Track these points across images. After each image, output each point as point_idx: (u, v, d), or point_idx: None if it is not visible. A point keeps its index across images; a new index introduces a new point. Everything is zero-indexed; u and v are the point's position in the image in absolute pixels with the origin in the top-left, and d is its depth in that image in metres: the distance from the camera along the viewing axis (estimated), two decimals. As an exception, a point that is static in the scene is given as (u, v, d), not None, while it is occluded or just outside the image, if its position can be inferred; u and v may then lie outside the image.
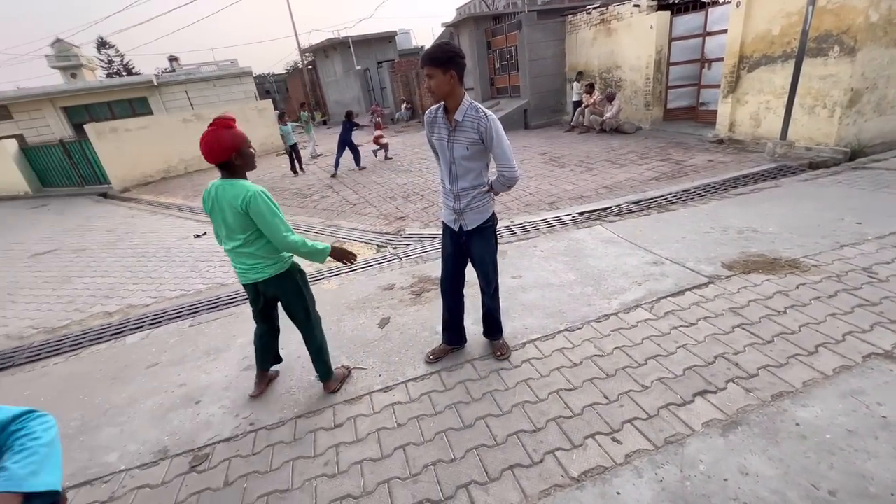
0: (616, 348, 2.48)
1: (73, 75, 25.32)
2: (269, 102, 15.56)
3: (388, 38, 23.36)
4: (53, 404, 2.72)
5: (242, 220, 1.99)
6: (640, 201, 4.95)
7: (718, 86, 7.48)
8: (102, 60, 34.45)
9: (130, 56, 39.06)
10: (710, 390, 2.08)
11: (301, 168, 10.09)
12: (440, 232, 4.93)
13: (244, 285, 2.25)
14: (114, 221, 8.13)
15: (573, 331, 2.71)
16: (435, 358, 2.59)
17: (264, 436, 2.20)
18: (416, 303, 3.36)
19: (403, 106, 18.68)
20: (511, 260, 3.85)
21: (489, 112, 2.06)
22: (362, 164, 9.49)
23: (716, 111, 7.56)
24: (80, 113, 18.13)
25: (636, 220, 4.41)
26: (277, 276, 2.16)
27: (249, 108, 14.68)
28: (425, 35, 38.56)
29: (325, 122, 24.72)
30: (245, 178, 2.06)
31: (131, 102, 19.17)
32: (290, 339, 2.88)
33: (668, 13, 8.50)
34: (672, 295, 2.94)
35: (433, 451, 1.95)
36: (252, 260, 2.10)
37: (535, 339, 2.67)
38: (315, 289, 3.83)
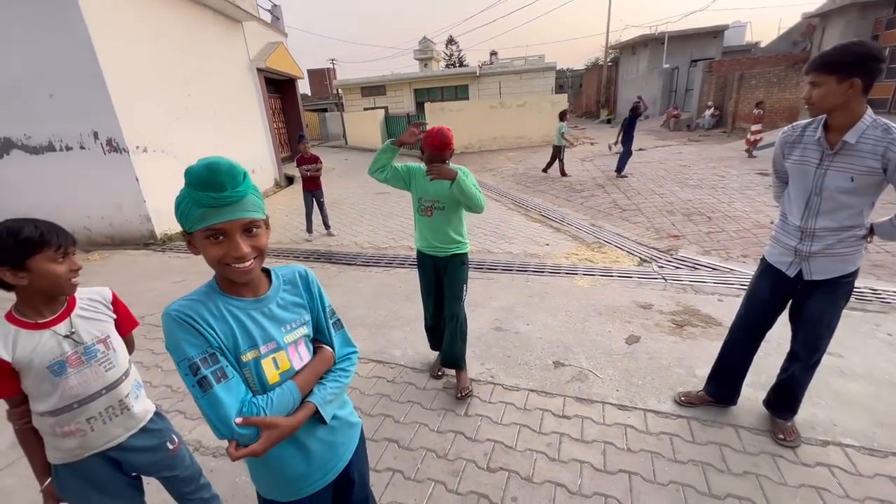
0: None
1: (426, 65, 33.06)
2: (563, 97, 16.27)
3: (714, 34, 20.24)
4: (372, 300, 3.82)
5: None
6: None
7: None
8: (446, 54, 43.53)
9: (466, 51, 47.76)
10: None
11: (564, 172, 9.31)
12: (725, 264, 4.16)
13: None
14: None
15: (925, 464, 1.84)
16: (688, 402, 2.26)
17: (500, 392, 2.48)
18: (674, 333, 2.98)
19: (709, 112, 16.10)
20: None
21: None
22: (625, 171, 8.65)
23: None
24: (423, 94, 23.68)
25: None
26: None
27: (545, 100, 15.73)
28: (769, 29, 31.39)
29: (609, 121, 24.07)
30: None
31: (456, 88, 23.65)
32: (534, 318, 3.06)
33: None
34: None
35: (664, 499, 1.75)
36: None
37: (848, 446, 1.96)
38: (566, 283, 3.94)
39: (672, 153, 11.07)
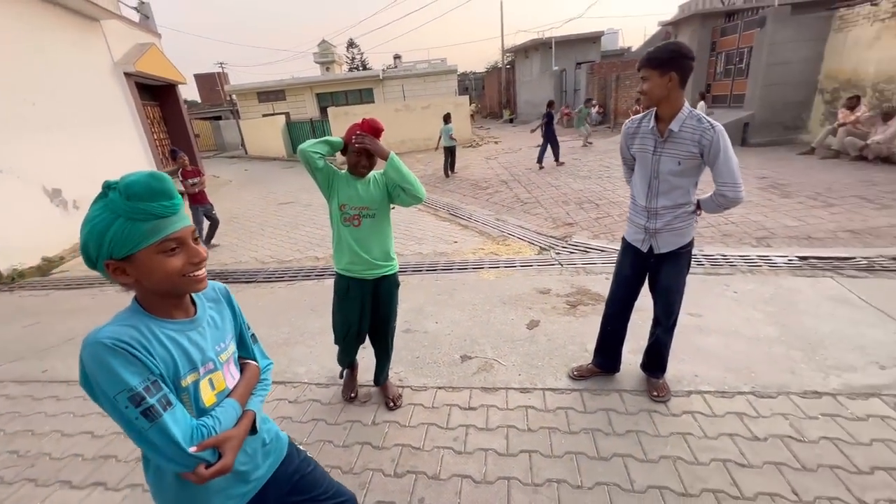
0: (824, 438, 1.91)
1: (327, 69, 32.03)
2: (465, 98, 16.83)
3: (593, 39, 22.44)
4: (274, 316, 3.58)
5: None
6: (908, 259, 3.64)
7: None
8: (348, 58, 42.62)
9: (368, 54, 47.18)
10: None
11: (453, 170, 9.87)
12: (611, 245, 4.55)
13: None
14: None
15: (762, 397, 2.19)
16: (580, 375, 2.44)
17: (409, 394, 2.46)
18: (569, 313, 3.22)
19: (594, 109, 17.78)
20: (691, 294, 3.26)
21: (716, 123, 1.79)
22: (561, 159, 9.59)
23: None
24: (326, 98, 22.91)
25: (894, 283, 3.27)
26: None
27: (448, 102, 16.13)
28: (636, 35, 35.71)
29: (511, 121, 25.45)
30: None
31: (361, 92, 23.26)
32: (443, 315, 3.11)
33: None
34: (940, 396, 2.10)
35: (560, 469, 1.87)
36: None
37: (706, 392, 2.26)
38: (473, 277, 4.06)
39: (566, 148, 12.01)
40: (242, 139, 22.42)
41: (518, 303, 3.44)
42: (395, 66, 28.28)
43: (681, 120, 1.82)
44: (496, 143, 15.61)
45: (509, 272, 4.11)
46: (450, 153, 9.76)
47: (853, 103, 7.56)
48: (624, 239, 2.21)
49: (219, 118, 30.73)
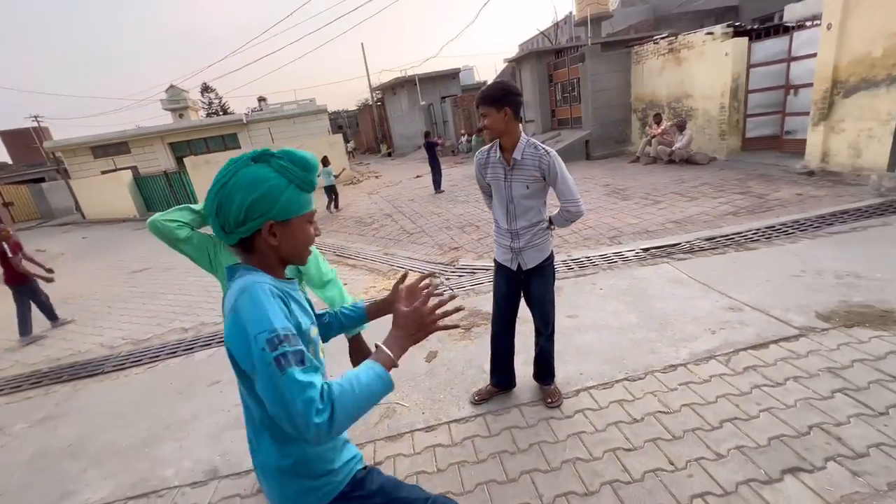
0: (684, 405, 2.20)
1: (181, 115, 29.14)
2: (339, 137, 16.73)
3: (452, 75, 24.37)
4: (128, 414, 2.96)
5: None
6: (714, 238, 4.53)
7: (807, 113, 6.82)
8: (204, 102, 39.43)
9: (227, 98, 44.27)
10: (803, 468, 1.75)
11: (337, 208, 9.97)
12: (491, 263, 4.82)
13: None
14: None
15: (634, 381, 2.46)
16: (481, 399, 2.47)
17: (306, 466, 2.20)
18: (465, 337, 3.27)
19: (464, 138, 19.16)
20: (567, 297, 3.65)
21: (549, 148, 2.01)
22: (442, 187, 9.93)
23: (804, 140, 6.87)
24: (183, 147, 20.69)
25: (709, 260, 4.03)
26: None
27: (322, 141, 15.84)
28: (488, 71, 39.93)
29: (389, 154, 26.02)
30: None
31: (224, 138, 21.55)
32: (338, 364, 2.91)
33: (746, 39, 8.02)
34: (753, 347, 2.59)
35: (473, 503, 1.82)
36: None
37: (591, 388, 2.46)
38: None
39: (443, 176, 12.64)
40: (76, 202, 18.94)
41: (414, 337, 3.39)
42: (261, 109, 27.02)
43: (521, 149, 2.01)
44: (377, 177, 15.74)
45: (403, 306, 4.05)
46: (332, 191, 9.87)
47: (658, 119, 9.39)
48: (495, 260, 2.33)
49: (41, 180, 25.56)
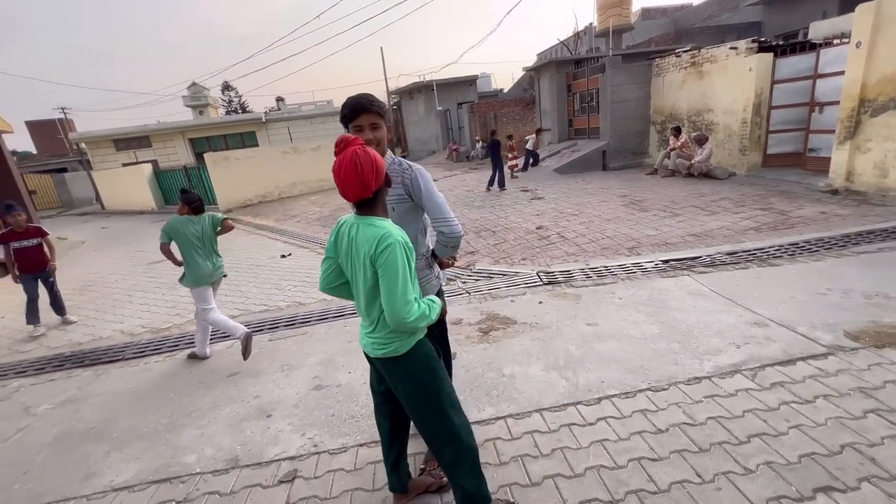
0: (710, 418, 2.17)
1: (201, 112, 29.71)
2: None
3: (470, 82, 24.49)
4: (149, 400, 3.00)
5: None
6: (736, 253, 4.48)
7: (832, 131, 6.73)
8: (224, 101, 40.13)
9: (247, 97, 44.99)
10: (836, 487, 1.72)
11: None
12: (511, 269, 4.77)
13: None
14: (216, 238, 9.13)
15: (657, 391, 2.44)
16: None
17: (326, 460, 2.21)
18: (483, 340, 3.27)
19: (479, 145, 19.22)
20: (586, 305, 3.63)
21: (414, 164, 1.82)
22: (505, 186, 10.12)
23: (828, 158, 6.78)
24: (202, 144, 21.08)
25: (731, 274, 3.98)
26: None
27: (339, 142, 15.97)
28: (505, 79, 40.09)
29: (405, 157, 26.16)
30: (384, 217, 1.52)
31: (242, 136, 21.92)
32: (356, 364, 2.92)
33: (771, 55, 7.96)
34: (780, 364, 2.55)
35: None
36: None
37: (613, 396, 2.44)
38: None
39: (458, 181, 12.68)
40: (97, 193, 19.35)
41: (432, 338, 3.40)
42: (279, 109, 27.41)
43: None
44: (392, 180, 15.80)
45: (420, 307, 4.06)
46: None
47: (677, 132, 9.34)
48: None
49: (63, 170, 26.18)
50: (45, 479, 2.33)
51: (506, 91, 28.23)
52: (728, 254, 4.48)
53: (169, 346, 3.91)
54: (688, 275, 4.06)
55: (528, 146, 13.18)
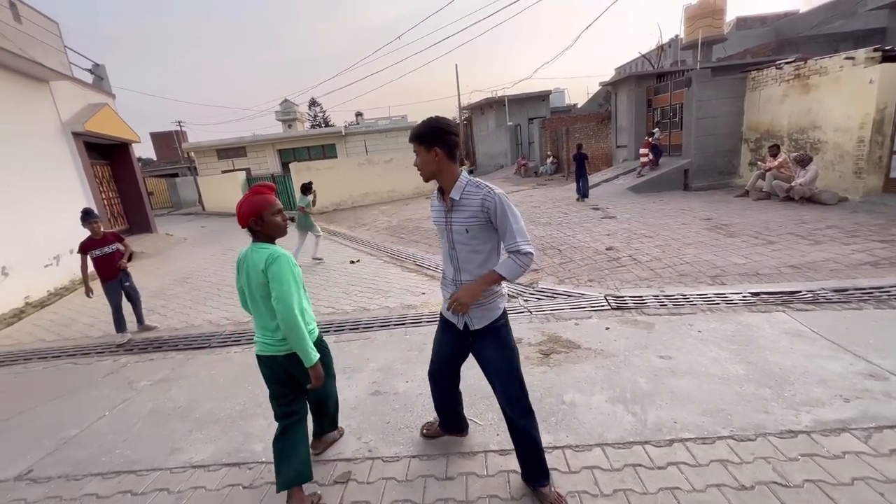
0: (808, 481, 1.88)
1: (290, 126, 32.54)
2: (427, 152, 17.42)
3: (542, 97, 24.26)
4: (227, 388, 3.28)
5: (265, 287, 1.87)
6: (846, 290, 3.90)
7: (982, 153, 5.66)
8: (310, 115, 43.64)
9: (330, 112, 48.55)
10: (982, 591, 1.39)
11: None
12: (577, 290, 4.60)
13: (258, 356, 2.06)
14: (291, 243, 9.85)
15: (741, 441, 2.17)
16: (429, 434, 2.42)
17: (380, 467, 2.25)
18: (543, 363, 3.15)
19: (549, 160, 18.87)
20: (659, 336, 3.36)
21: (495, 186, 1.77)
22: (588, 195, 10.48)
23: (976, 185, 5.70)
24: (288, 154, 23.06)
25: (839, 314, 3.46)
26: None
27: (411, 156, 16.62)
28: (580, 93, 39.11)
29: (471, 172, 26.49)
30: (272, 243, 1.95)
31: (324, 147, 23.63)
32: (414, 373, 2.95)
33: (898, 65, 6.94)
34: (903, 426, 2.15)
35: (549, 543, 1.71)
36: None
37: (687, 440, 2.21)
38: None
39: (525, 196, 12.52)
40: (200, 196, 21.87)
41: (491, 355, 3.34)
42: (357, 123, 29.16)
43: (460, 188, 1.77)
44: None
45: (480, 322, 4.03)
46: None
47: (775, 151, 8.43)
48: (441, 315, 2.09)
49: (175, 175, 30.06)
50: (139, 448, 2.62)
51: (579, 106, 27.54)
52: (835, 290, 3.91)
53: (247, 339, 4.26)
54: (783, 311, 3.60)
55: (654, 139, 11.84)
